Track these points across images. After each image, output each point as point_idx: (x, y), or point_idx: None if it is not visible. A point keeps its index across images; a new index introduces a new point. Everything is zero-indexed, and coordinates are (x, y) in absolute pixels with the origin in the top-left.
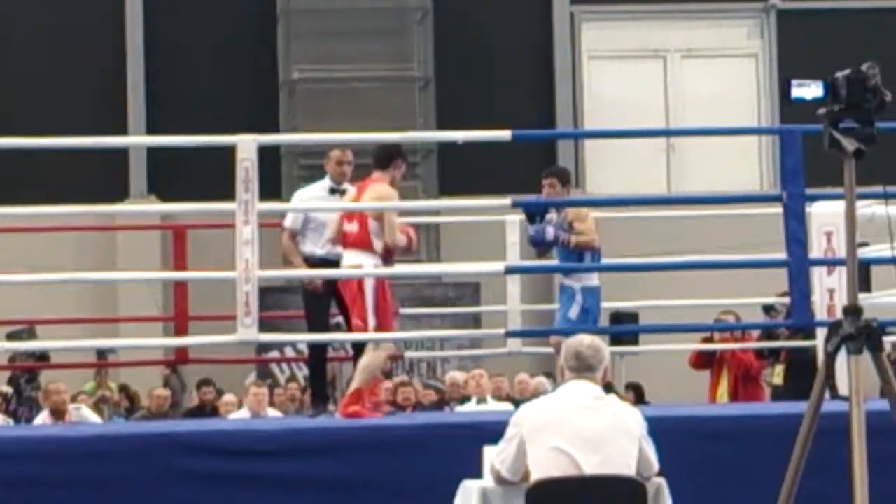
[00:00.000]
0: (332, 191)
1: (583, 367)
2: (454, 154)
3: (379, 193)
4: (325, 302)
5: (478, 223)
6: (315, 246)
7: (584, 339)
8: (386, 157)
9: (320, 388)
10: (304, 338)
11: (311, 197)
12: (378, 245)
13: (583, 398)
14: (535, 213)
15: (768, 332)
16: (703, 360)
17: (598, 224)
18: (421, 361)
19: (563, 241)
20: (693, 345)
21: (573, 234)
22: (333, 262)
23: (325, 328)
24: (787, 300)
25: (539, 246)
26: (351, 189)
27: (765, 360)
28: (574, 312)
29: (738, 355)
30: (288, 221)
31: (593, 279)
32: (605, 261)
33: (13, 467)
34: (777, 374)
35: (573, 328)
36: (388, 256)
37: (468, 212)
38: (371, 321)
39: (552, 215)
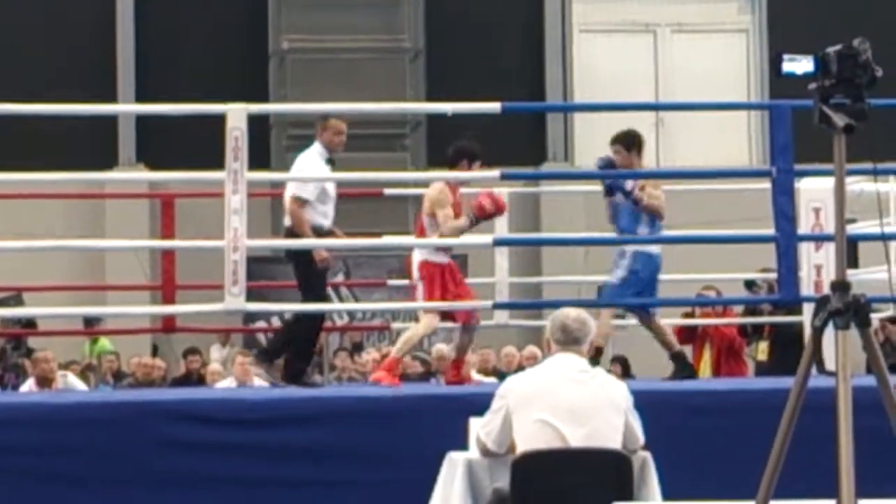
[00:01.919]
0: (329, 161)
1: (569, 339)
2: (443, 126)
3: (430, 194)
4: (324, 274)
5: (467, 195)
6: (325, 218)
7: (570, 313)
8: (452, 156)
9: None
10: (291, 307)
11: (315, 166)
12: (433, 237)
13: (569, 371)
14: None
15: (751, 308)
16: (684, 335)
17: (586, 198)
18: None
19: (637, 196)
20: (680, 319)
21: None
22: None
23: (323, 298)
24: (769, 276)
25: (616, 190)
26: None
27: (747, 336)
28: (618, 275)
29: (720, 330)
30: (304, 192)
31: (652, 246)
32: (591, 235)
33: None
34: (762, 351)
35: (611, 297)
36: (444, 248)
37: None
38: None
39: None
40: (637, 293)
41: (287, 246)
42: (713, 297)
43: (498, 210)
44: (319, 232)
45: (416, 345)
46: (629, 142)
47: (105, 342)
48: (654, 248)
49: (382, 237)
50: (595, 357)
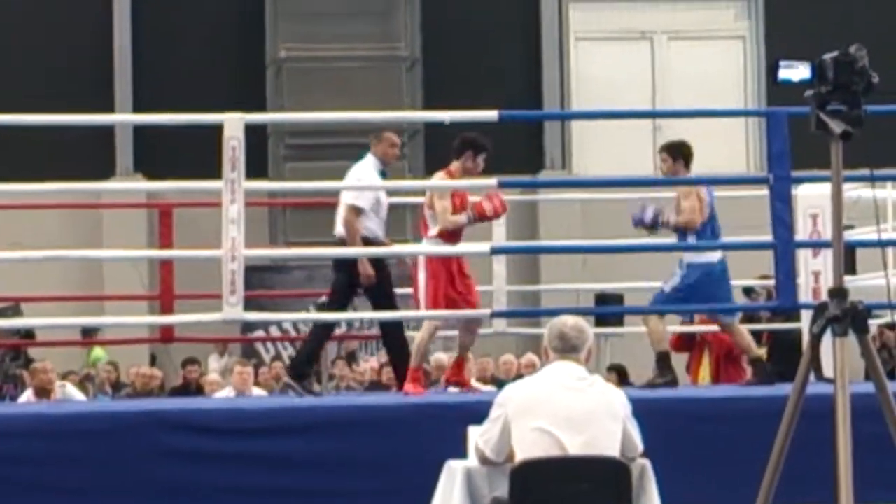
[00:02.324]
0: (383, 173)
1: (567, 347)
2: (441, 134)
3: (434, 184)
4: (356, 286)
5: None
6: (378, 229)
7: (567, 320)
8: (457, 146)
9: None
10: (289, 317)
11: (370, 177)
12: (433, 231)
13: (567, 378)
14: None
15: (749, 315)
16: (683, 343)
17: (583, 206)
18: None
19: (664, 221)
20: (676, 326)
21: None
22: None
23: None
24: (767, 283)
25: (639, 226)
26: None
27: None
28: (670, 286)
29: (719, 336)
30: (360, 201)
31: (705, 255)
32: (589, 242)
33: None
34: None
35: (653, 303)
36: (451, 239)
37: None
38: (422, 303)
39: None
40: (682, 301)
41: (281, 256)
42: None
43: (496, 215)
44: (374, 242)
45: (427, 349)
46: (675, 151)
47: (99, 351)
48: (711, 256)
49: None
50: (664, 361)
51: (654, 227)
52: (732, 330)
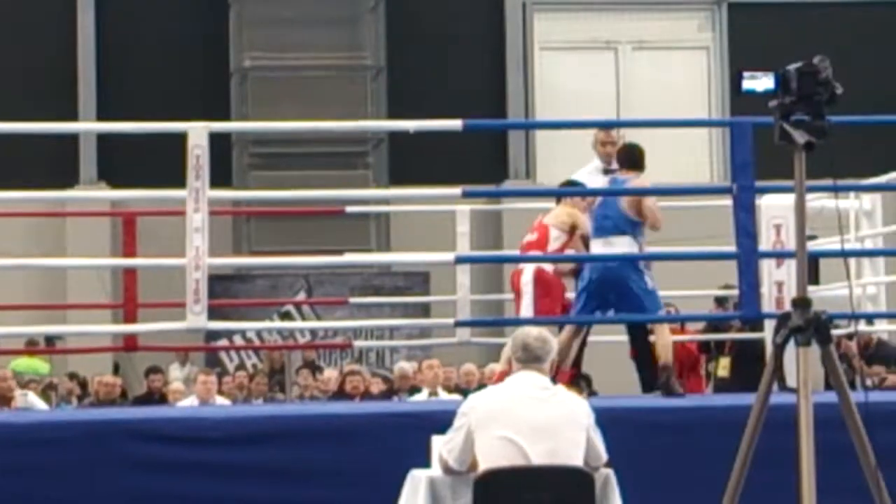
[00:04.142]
0: (606, 171)
1: (530, 358)
2: (405, 143)
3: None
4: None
5: (428, 213)
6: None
7: (531, 331)
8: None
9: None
10: (252, 326)
11: (589, 180)
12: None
13: (531, 388)
14: None
15: (715, 324)
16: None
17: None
18: (370, 350)
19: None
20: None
21: None
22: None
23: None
24: (733, 292)
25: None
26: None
27: (707, 352)
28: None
29: (681, 346)
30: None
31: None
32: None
33: None
34: (723, 367)
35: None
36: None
37: (419, 201)
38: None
39: None
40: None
41: (245, 265)
42: (675, 314)
43: None
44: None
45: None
46: (622, 158)
47: (27, 361)
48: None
49: (344, 255)
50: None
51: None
52: (656, 331)
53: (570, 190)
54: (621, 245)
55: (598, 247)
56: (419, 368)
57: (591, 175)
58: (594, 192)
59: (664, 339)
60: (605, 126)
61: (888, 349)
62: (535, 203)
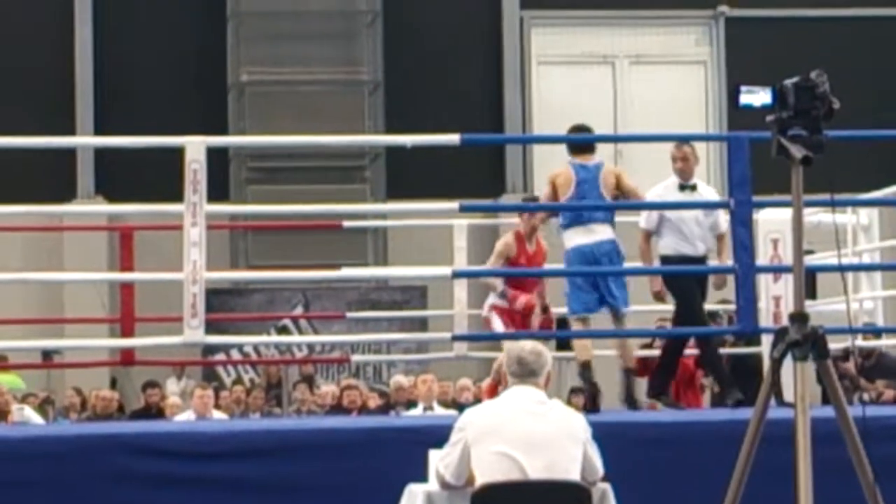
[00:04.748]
0: (682, 187)
1: (525, 372)
2: (402, 158)
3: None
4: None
5: (426, 227)
6: (673, 244)
7: (525, 345)
8: None
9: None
10: (249, 340)
11: (663, 195)
12: None
13: (527, 403)
14: None
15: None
16: (643, 367)
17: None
18: (367, 365)
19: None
20: (639, 351)
21: None
22: (702, 259)
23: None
24: (729, 307)
25: None
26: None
27: (704, 366)
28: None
29: (681, 362)
30: (643, 222)
31: (572, 240)
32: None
33: None
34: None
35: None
36: None
37: (416, 215)
38: None
39: None
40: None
41: (242, 279)
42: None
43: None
44: (669, 259)
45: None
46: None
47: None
48: (577, 240)
49: (341, 269)
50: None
51: None
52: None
53: (570, 204)
54: (603, 232)
55: (579, 234)
56: (415, 383)
57: (667, 189)
58: (595, 207)
59: (581, 341)
60: (602, 140)
61: (889, 361)
62: None
